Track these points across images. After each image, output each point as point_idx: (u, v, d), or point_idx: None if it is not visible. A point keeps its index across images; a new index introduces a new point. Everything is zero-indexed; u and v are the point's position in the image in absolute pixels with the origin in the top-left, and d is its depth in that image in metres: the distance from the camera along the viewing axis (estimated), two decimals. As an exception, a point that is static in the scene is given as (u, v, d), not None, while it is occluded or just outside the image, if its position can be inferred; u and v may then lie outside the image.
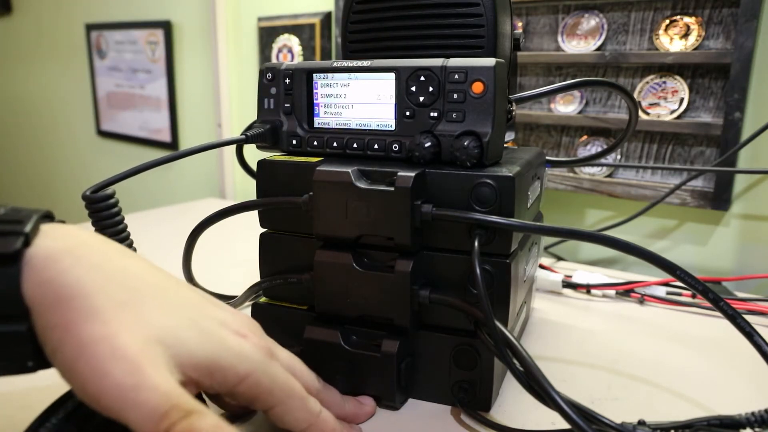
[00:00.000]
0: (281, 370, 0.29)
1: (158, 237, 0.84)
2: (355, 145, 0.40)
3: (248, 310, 0.44)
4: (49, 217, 0.26)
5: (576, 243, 0.83)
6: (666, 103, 0.74)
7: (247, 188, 1.22)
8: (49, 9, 1.71)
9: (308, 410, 0.30)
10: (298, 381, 0.31)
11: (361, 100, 0.39)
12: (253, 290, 0.45)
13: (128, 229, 0.39)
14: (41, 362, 0.24)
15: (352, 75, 0.39)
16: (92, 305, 0.22)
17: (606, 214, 0.82)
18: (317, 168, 0.37)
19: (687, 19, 0.71)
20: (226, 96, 1.20)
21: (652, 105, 0.75)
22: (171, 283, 0.27)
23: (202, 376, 0.25)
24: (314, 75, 0.41)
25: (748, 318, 0.32)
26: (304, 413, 0.30)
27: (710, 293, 0.31)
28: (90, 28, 1.55)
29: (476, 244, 0.34)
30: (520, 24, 0.84)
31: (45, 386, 0.40)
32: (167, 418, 0.21)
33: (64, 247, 0.24)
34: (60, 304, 0.22)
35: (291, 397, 0.29)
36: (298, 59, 1.08)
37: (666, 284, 0.62)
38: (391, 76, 0.38)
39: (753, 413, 0.30)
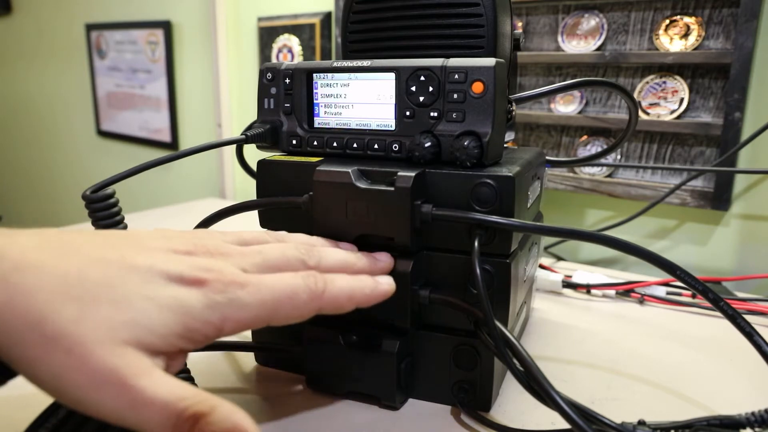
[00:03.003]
0: (253, 290, 0.27)
1: (158, 237, 0.84)
2: (355, 145, 0.40)
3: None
4: None
5: (576, 243, 0.83)
6: (666, 103, 0.74)
7: (247, 188, 1.22)
8: (49, 9, 1.71)
9: (307, 301, 0.28)
10: (288, 266, 0.29)
11: (361, 100, 0.39)
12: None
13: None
14: (3, 377, 0.23)
15: (352, 75, 0.39)
16: (45, 336, 0.21)
17: (606, 214, 0.82)
18: (317, 168, 0.37)
19: (687, 19, 0.71)
20: (226, 96, 1.20)
21: (652, 105, 0.75)
22: (113, 264, 0.24)
23: (181, 345, 0.24)
24: (314, 75, 0.41)
25: (748, 318, 0.32)
26: (303, 307, 0.28)
27: (710, 293, 0.31)
28: (90, 28, 1.55)
29: (476, 244, 0.34)
30: (520, 24, 0.84)
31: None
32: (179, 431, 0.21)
33: None
34: (13, 341, 0.21)
35: (277, 309, 0.27)
36: (298, 59, 1.08)
37: (666, 284, 0.62)
38: (391, 76, 0.38)
39: (753, 413, 0.30)
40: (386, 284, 0.34)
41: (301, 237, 0.36)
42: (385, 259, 0.36)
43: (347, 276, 0.31)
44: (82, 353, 0.21)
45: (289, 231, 0.42)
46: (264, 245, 0.31)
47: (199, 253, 0.27)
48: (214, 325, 0.25)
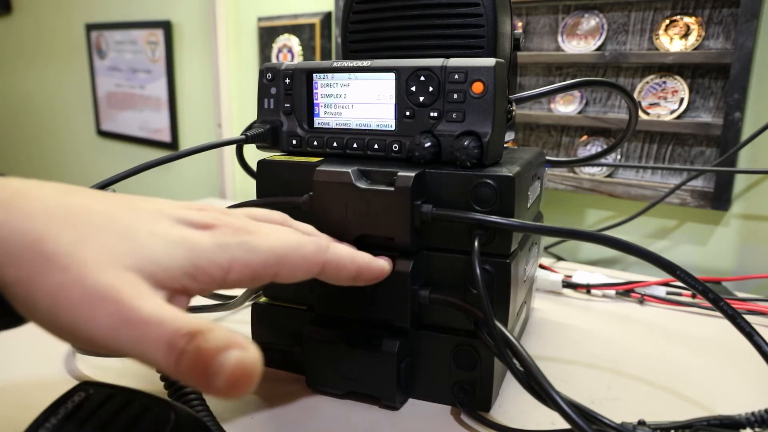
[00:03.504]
0: (262, 237, 0.27)
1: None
2: (355, 145, 0.40)
3: (248, 310, 0.44)
4: None
5: (576, 243, 0.83)
6: (666, 103, 0.74)
7: (247, 188, 1.22)
8: (49, 9, 1.71)
9: (313, 253, 0.29)
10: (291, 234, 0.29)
11: (361, 100, 0.39)
12: (253, 290, 0.45)
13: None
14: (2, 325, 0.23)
15: (352, 75, 0.39)
16: (43, 254, 0.21)
17: (606, 214, 0.82)
18: (317, 168, 0.37)
19: (687, 19, 0.71)
20: (226, 96, 1.21)
21: (652, 105, 0.75)
22: (122, 204, 0.25)
23: (185, 283, 0.24)
24: (314, 75, 0.41)
25: (748, 318, 0.32)
26: (311, 259, 0.28)
27: (710, 293, 0.31)
28: (90, 28, 1.55)
29: (476, 244, 0.34)
30: (520, 24, 0.84)
31: (45, 386, 0.40)
32: (173, 349, 0.20)
33: None
34: (8, 260, 0.21)
35: (286, 256, 0.27)
36: (298, 59, 1.08)
37: (666, 284, 0.62)
38: (391, 76, 0.38)
39: (753, 413, 0.30)
40: (384, 263, 0.35)
41: (307, 227, 0.35)
42: (385, 258, 0.36)
43: (349, 247, 0.32)
44: (79, 271, 0.21)
45: (289, 231, 0.42)
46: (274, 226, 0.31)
47: (210, 210, 0.28)
48: (221, 267, 0.25)
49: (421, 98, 0.37)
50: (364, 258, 0.33)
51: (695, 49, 0.71)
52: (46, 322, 0.21)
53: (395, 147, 0.38)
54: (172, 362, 0.20)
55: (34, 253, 0.21)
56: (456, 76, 0.36)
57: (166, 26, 1.33)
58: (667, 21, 0.73)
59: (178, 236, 0.24)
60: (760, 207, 0.70)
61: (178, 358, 0.20)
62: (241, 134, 0.41)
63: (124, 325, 0.20)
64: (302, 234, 0.29)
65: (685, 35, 0.72)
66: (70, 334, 0.21)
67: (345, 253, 0.31)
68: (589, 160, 0.59)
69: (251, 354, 0.20)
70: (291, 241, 0.28)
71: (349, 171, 0.36)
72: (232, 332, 0.20)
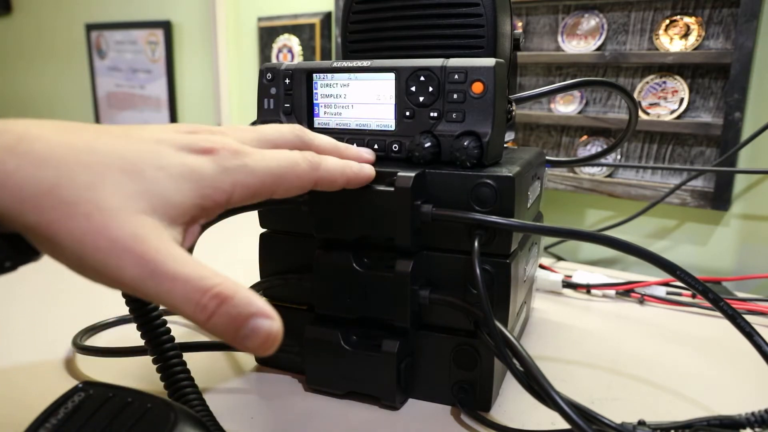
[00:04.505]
0: (258, 159, 0.28)
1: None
2: (355, 145, 0.40)
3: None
4: None
5: (576, 243, 0.83)
6: (666, 103, 0.74)
7: (247, 188, 1.22)
8: (49, 9, 1.71)
9: (307, 170, 0.30)
10: (283, 140, 0.31)
11: (360, 100, 0.39)
12: (253, 290, 0.45)
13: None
14: (19, 260, 0.23)
15: (352, 75, 0.39)
16: (62, 201, 0.21)
17: (606, 214, 0.82)
18: (317, 168, 0.37)
19: (687, 19, 0.71)
20: (226, 96, 1.21)
21: (652, 105, 0.75)
22: (123, 138, 0.25)
23: (195, 214, 0.25)
24: (314, 75, 0.41)
25: (748, 318, 0.32)
26: (304, 177, 0.30)
27: (710, 293, 0.31)
28: (90, 28, 1.55)
29: (476, 244, 0.34)
30: (520, 24, 0.84)
31: (45, 386, 0.40)
32: (203, 309, 0.21)
33: (3, 147, 0.21)
34: (27, 207, 0.21)
35: (282, 175, 0.28)
36: (298, 59, 1.08)
37: (666, 284, 0.62)
38: (391, 76, 0.38)
39: (753, 413, 0.30)
40: (369, 168, 0.36)
41: (322, 140, 0.36)
42: (367, 153, 0.37)
43: (337, 158, 0.33)
44: (102, 219, 0.21)
45: (290, 231, 0.42)
46: (259, 125, 0.32)
47: (201, 131, 0.28)
48: (225, 191, 0.26)
49: (421, 98, 0.37)
50: (352, 169, 0.34)
51: (695, 49, 0.71)
52: (72, 263, 0.22)
53: (395, 147, 0.38)
54: (201, 320, 0.22)
55: (52, 199, 0.21)
56: (456, 76, 0.36)
57: (166, 26, 1.33)
58: (667, 21, 0.73)
59: (182, 167, 0.25)
60: (760, 207, 0.70)
61: (207, 318, 0.21)
62: (241, 134, 0.41)
63: (152, 278, 0.21)
64: (297, 152, 0.30)
65: (685, 35, 0.72)
66: (95, 276, 0.22)
67: (336, 168, 0.32)
68: (589, 160, 0.59)
69: (276, 323, 0.22)
70: (285, 161, 0.29)
71: (349, 171, 0.36)
72: (252, 294, 0.22)
